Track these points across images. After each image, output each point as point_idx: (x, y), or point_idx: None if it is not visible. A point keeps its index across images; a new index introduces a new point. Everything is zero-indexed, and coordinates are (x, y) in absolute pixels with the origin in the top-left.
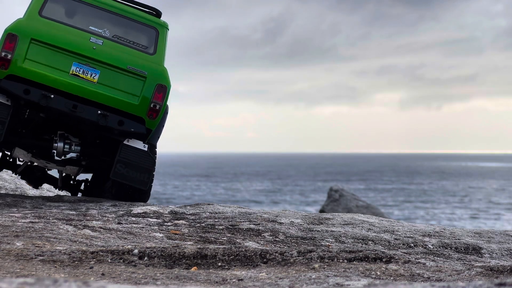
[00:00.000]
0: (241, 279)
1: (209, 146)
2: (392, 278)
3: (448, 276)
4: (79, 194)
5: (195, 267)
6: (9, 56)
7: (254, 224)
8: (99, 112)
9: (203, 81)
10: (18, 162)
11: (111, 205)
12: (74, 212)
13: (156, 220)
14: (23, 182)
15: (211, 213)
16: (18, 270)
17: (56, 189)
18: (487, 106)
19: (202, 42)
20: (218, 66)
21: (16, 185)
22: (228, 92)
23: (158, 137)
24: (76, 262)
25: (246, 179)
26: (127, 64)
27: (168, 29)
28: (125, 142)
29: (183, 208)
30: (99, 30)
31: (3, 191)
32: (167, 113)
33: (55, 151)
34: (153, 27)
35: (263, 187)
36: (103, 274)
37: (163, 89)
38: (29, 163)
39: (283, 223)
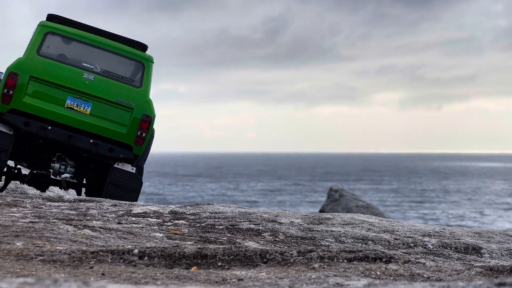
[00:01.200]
0: (241, 279)
1: (209, 146)
2: (392, 278)
3: (448, 276)
4: (83, 190)
5: (195, 267)
6: (11, 92)
7: (254, 224)
8: (91, 141)
9: (203, 81)
10: (23, 172)
11: (111, 205)
12: (74, 212)
13: (156, 220)
14: None
15: (211, 213)
16: (18, 270)
17: (62, 189)
18: (487, 106)
19: (202, 42)
20: (218, 66)
21: (16, 185)
22: (228, 92)
23: (145, 159)
24: (76, 262)
25: (246, 179)
26: (116, 97)
27: (153, 62)
28: (116, 165)
29: (183, 208)
30: (91, 66)
31: (3, 191)
32: (153, 137)
33: (51, 170)
34: (140, 61)
35: (263, 187)
36: (103, 274)
37: (148, 119)
38: (34, 172)
39: (283, 223)
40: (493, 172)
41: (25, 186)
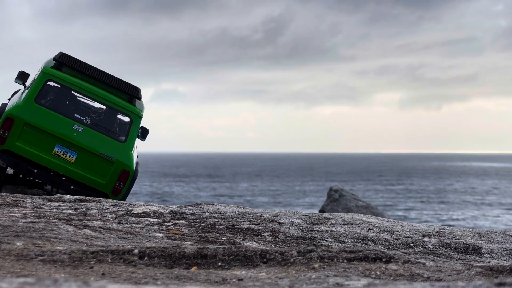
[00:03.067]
0: (241, 279)
1: (209, 146)
2: (392, 278)
3: (448, 276)
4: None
5: (195, 267)
6: (6, 134)
7: (254, 224)
8: (72, 187)
9: (203, 81)
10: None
11: (112, 205)
12: (74, 212)
13: (156, 220)
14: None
15: (211, 213)
16: (18, 270)
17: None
18: (487, 106)
19: (202, 42)
20: (219, 66)
21: (16, 185)
22: (228, 92)
23: (126, 197)
24: (77, 262)
25: (246, 179)
26: (99, 150)
27: (141, 117)
28: None
29: (183, 208)
30: (82, 118)
31: (3, 191)
32: (135, 179)
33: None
34: (129, 115)
35: (263, 187)
36: (103, 274)
37: (126, 174)
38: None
39: (283, 223)
40: (493, 172)
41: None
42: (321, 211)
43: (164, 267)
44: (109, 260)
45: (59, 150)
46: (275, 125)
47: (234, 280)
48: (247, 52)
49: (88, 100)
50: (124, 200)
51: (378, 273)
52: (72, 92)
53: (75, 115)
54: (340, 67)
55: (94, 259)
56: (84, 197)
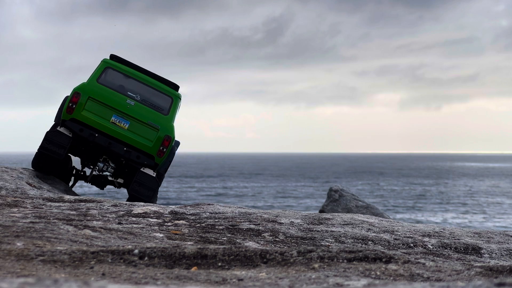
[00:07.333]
0: (241, 279)
1: (210, 146)
2: (391, 278)
3: (448, 276)
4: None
5: (195, 267)
6: (74, 106)
7: (254, 224)
8: (125, 149)
9: (203, 81)
10: (87, 174)
11: (112, 205)
12: (74, 212)
13: (156, 220)
14: (24, 182)
15: (211, 213)
16: (18, 270)
17: (115, 187)
18: (487, 106)
19: (203, 43)
20: (219, 66)
21: (16, 185)
22: (228, 92)
23: (166, 169)
24: (77, 262)
25: (246, 180)
26: (147, 119)
27: (181, 99)
28: (142, 169)
29: (183, 208)
30: (133, 95)
31: (3, 192)
32: (173, 153)
33: (97, 168)
34: (170, 96)
35: (263, 187)
36: (103, 274)
37: (168, 139)
38: (94, 174)
39: (283, 223)
40: (493, 173)
41: (26, 186)
42: (321, 211)
43: (164, 267)
44: (109, 260)
45: (115, 119)
46: (275, 126)
47: (234, 280)
48: (248, 52)
49: (138, 85)
50: (168, 163)
51: (378, 273)
52: (126, 77)
53: (128, 93)
54: (340, 67)
55: (94, 259)
56: (84, 197)
